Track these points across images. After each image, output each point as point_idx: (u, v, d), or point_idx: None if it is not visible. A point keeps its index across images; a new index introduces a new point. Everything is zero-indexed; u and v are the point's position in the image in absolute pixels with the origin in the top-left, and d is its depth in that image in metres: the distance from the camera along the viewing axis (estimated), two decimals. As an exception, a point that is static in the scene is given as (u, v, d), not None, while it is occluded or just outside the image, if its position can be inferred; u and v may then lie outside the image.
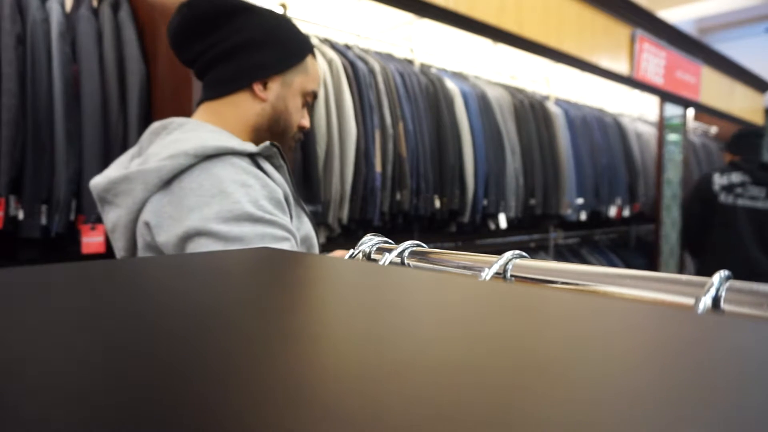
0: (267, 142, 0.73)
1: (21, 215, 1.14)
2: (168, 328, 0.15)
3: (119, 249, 0.72)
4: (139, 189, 0.67)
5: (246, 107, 0.80)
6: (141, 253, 0.69)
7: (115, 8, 1.32)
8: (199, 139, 0.69)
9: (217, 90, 0.80)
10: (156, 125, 0.77)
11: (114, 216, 0.70)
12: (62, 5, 1.24)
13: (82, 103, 1.22)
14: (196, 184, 0.66)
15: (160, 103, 1.32)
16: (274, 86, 0.81)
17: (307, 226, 0.78)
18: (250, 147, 0.71)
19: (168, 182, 0.67)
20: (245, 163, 0.69)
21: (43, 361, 0.12)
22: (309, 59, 0.84)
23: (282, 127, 0.83)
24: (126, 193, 0.68)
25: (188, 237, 0.63)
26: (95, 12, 1.30)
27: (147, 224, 0.67)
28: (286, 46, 0.81)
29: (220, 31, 0.77)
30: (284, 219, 0.69)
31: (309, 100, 0.86)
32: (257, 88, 0.80)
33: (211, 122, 0.78)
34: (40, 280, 0.22)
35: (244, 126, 0.80)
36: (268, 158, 0.75)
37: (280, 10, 1.58)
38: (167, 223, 0.65)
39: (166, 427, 0.09)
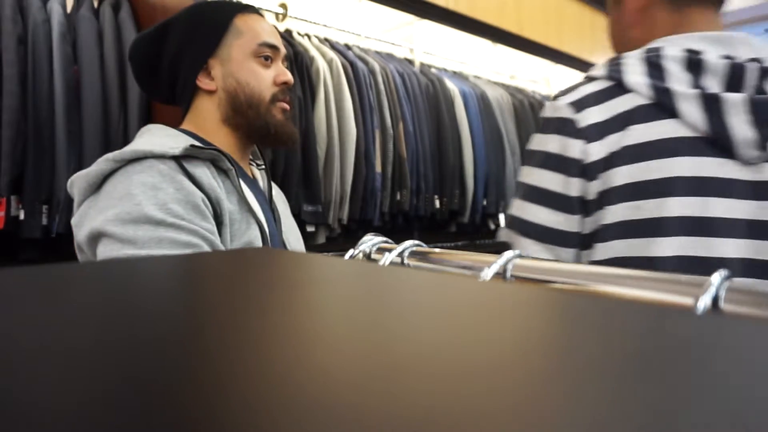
0: (188, 144, 0.70)
1: (22, 215, 1.14)
2: (166, 328, 0.16)
3: None
4: (76, 193, 0.69)
5: (205, 107, 0.80)
6: (77, 253, 0.71)
7: (116, 9, 1.32)
8: (134, 144, 0.71)
9: (183, 106, 0.82)
10: (139, 132, 0.81)
11: None
12: (63, 6, 1.24)
13: (82, 103, 1.22)
14: (111, 187, 0.66)
15: (161, 104, 1.32)
16: (216, 71, 0.79)
17: (253, 233, 0.74)
18: (175, 150, 0.68)
19: (99, 187, 0.68)
20: (164, 166, 0.67)
21: (43, 361, 0.12)
22: (238, 21, 0.79)
23: (246, 101, 0.78)
24: (72, 196, 0.71)
25: (92, 237, 0.64)
26: (96, 12, 1.30)
27: (72, 225, 0.69)
28: (200, 28, 0.79)
29: (160, 60, 0.80)
30: (200, 225, 0.66)
31: (267, 53, 0.79)
32: (203, 82, 0.78)
33: (192, 130, 0.80)
34: (41, 279, 0.22)
35: (215, 125, 0.80)
36: (214, 162, 0.73)
37: (280, 11, 1.59)
38: (83, 223, 0.67)
39: (163, 428, 0.09)
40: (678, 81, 0.62)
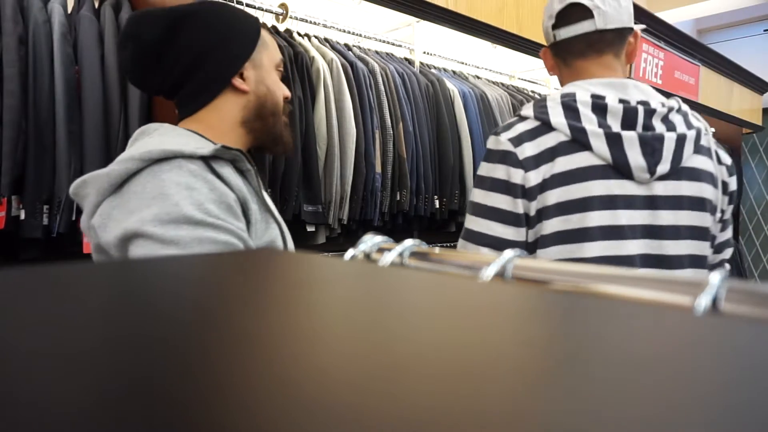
0: (219, 145, 0.71)
1: (22, 215, 1.14)
2: (166, 328, 0.16)
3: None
4: (93, 193, 0.67)
5: (230, 107, 0.79)
6: (93, 254, 0.70)
7: (117, 9, 1.32)
8: (155, 144, 0.69)
9: (196, 103, 0.79)
10: (137, 131, 0.78)
11: (83, 218, 0.71)
12: (64, 6, 1.24)
13: (83, 104, 1.22)
14: (140, 187, 0.65)
15: (161, 104, 1.32)
16: (249, 73, 0.80)
17: (273, 233, 0.76)
18: (203, 150, 0.69)
19: (120, 187, 0.67)
20: (195, 167, 0.68)
21: (43, 361, 0.12)
22: (263, 32, 0.83)
23: (271, 108, 0.82)
24: (84, 197, 0.69)
25: (126, 238, 0.63)
26: (96, 13, 1.30)
27: (93, 226, 0.67)
28: (242, 29, 0.80)
29: (177, 44, 0.75)
30: (234, 224, 0.67)
31: (281, 71, 0.85)
32: (237, 82, 0.79)
33: (198, 130, 0.78)
34: (41, 279, 0.22)
35: (232, 126, 0.79)
36: (234, 162, 0.73)
37: (279, 11, 1.59)
38: (110, 224, 0.65)
39: (163, 428, 0.09)
40: (589, 121, 0.81)
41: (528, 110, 0.88)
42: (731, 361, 0.13)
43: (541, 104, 0.86)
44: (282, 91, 0.84)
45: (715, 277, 0.23)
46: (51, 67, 1.18)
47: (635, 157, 0.79)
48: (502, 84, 2.39)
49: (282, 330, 0.15)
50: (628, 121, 0.81)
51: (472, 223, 0.85)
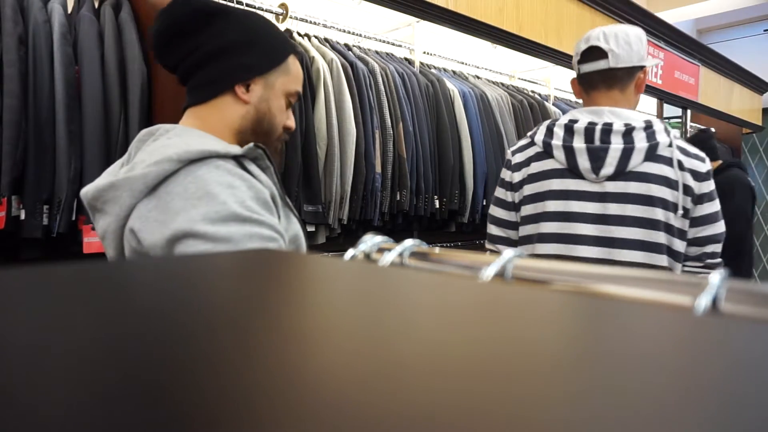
0: (251, 144, 0.73)
1: (22, 215, 1.14)
2: (164, 329, 0.16)
3: (110, 256, 0.72)
4: (126, 196, 0.67)
5: (229, 110, 0.80)
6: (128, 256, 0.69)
7: (116, 9, 1.32)
8: (183, 144, 0.69)
9: (199, 95, 0.80)
10: (143, 132, 0.78)
11: (104, 223, 0.70)
12: (64, 6, 1.24)
13: (83, 104, 1.22)
14: (182, 187, 0.65)
15: (161, 104, 1.32)
16: (257, 88, 0.81)
17: (295, 227, 0.79)
18: (235, 149, 0.71)
19: (154, 188, 0.67)
20: (230, 165, 0.69)
21: (42, 361, 0.12)
22: (291, 60, 0.84)
23: (266, 128, 0.83)
24: (113, 200, 0.68)
25: (176, 239, 0.63)
26: (96, 13, 1.30)
27: (132, 230, 0.67)
28: (266, 47, 0.81)
29: (199, 35, 0.77)
30: (272, 219, 0.69)
31: (292, 101, 0.86)
32: (239, 90, 0.80)
33: (196, 127, 0.79)
34: (42, 279, 0.22)
35: (228, 129, 0.81)
36: (255, 160, 0.75)
37: (279, 11, 1.59)
38: (153, 226, 0.65)
39: (160, 428, 0.09)
40: (557, 138, 1.13)
41: (531, 132, 1.21)
42: (731, 361, 0.13)
43: (537, 128, 1.19)
44: (284, 120, 0.85)
45: (715, 277, 0.23)
46: (51, 67, 1.18)
47: (583, 163, 1.09)
48: (502, 84, 2.39)
49: (282, 329, 0.15)
50: (589, 137, 1.09)
51: (490, 207, 1.26)
